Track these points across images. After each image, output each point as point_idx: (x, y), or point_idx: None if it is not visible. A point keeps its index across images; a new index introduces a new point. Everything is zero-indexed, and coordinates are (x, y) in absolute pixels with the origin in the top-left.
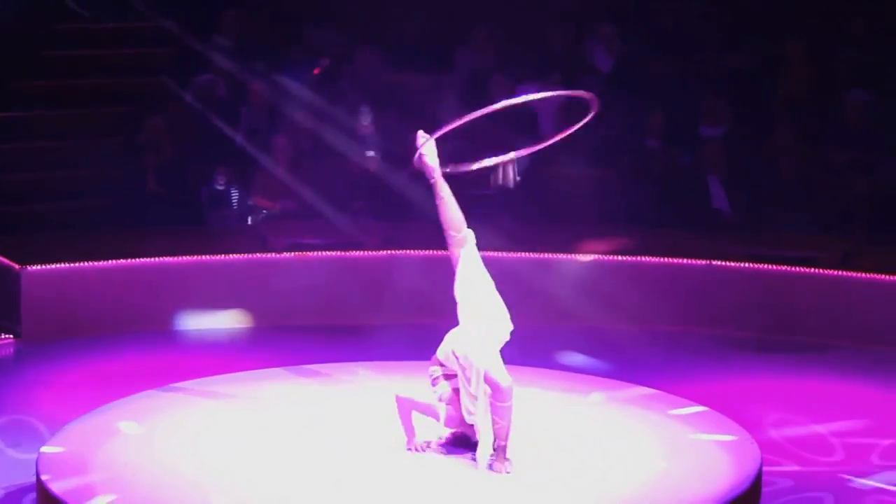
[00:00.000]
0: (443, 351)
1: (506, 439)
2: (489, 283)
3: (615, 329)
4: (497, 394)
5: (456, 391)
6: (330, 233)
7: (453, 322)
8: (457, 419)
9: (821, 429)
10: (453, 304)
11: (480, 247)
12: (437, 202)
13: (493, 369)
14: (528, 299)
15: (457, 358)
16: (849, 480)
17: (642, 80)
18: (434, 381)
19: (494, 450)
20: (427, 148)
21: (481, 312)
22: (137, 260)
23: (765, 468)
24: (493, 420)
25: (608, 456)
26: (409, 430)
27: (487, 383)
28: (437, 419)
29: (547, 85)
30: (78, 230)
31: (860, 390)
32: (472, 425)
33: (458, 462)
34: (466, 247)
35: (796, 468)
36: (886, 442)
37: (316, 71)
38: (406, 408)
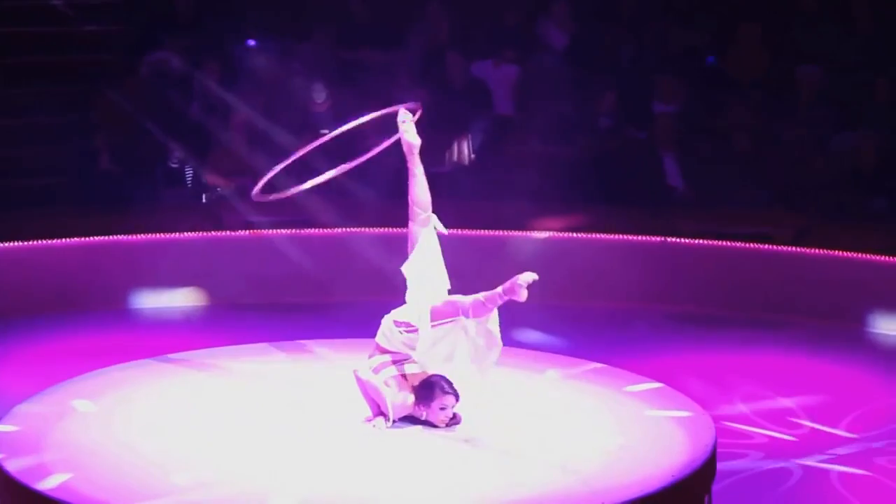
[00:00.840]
0: (382, 335)
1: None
2: (442, 270)
3: (570, 306)
4: (463, 308)
5: (402, 377)
6: (284, 211)
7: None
8: (401, 407)
9: (786, 403)
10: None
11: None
12: (410, 178)
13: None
14: (483, 276)
15: (398, 325)
16: (816, 452)
17: (596, 58)
18: (377, 370)
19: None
20: (408, 125)
21: (429, 296)
22: (91, 238)
23: (734, 440)
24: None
25: (564, 432)
26: (371, 405)
27: (441, 313)
28: (385, 407)
29: (502, 64)
30: (31, 208)
31: (818, 365)
32: (418, 407)
33: (419, 437)
34: (428, 227)
35: (765, 440)
36: (851, 415)
37: None
38: (364, 384)
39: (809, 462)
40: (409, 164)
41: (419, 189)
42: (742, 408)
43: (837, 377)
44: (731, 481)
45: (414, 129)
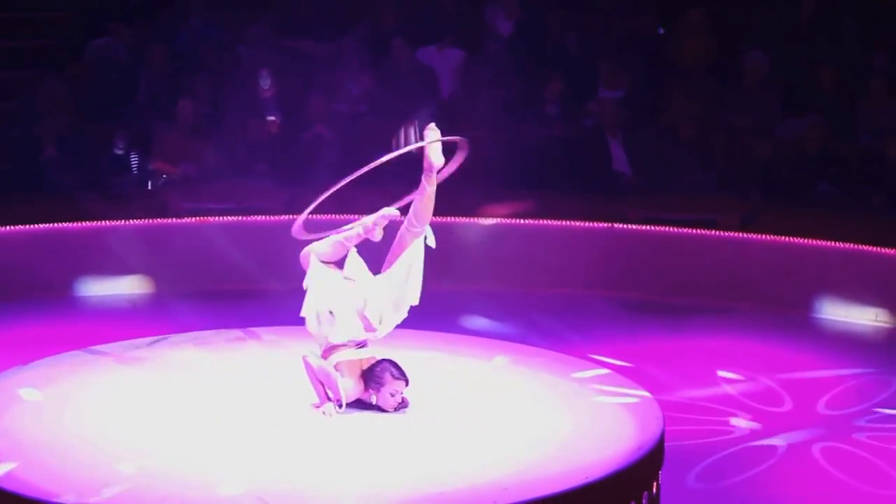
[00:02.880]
0: None
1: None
2: (418, 283)
3: (518, 292)
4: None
5: (351, 362)
6: (231, 197)
7: None
8: (350, 392)
9: (755, 385)
10: None
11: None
12: (419, 193)
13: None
14: (431, 263)
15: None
16: (797, 430)
17: (542, 44)
18: (326, 352)
19: None
20: (434, 145)
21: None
22: (36, 226)
23: (718, 418)
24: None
25: (512, 419)
26: (319, 391)
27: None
28: (336, 392)
29: (445, 48)
30: None
31: (773, 351)
32: (367, 392)
33: (369, 422)
34: (419, 239)
35: (746, 419)
36: (825, 396)
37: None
38: (313, 370)
39: (792, 439)
40: (424, 181)
41: (424, 208)
42: (715, 389)
43: (795, 362)
44: (716, 458)
45: (440, 150)
